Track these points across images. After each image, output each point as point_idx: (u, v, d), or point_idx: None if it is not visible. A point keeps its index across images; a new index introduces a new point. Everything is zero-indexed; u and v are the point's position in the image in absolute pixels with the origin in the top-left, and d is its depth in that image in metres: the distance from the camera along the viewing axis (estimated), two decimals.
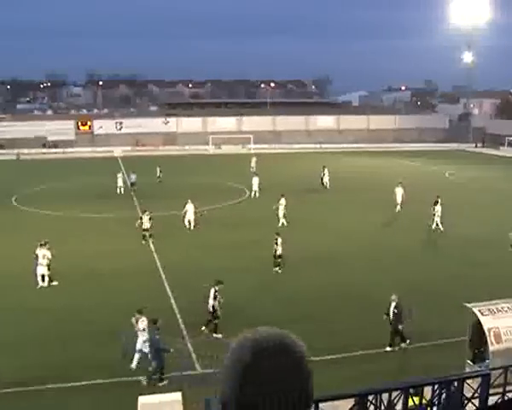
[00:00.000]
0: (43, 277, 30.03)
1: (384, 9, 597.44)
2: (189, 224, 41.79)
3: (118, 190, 55.24)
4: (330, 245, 37.38)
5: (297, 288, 29.05)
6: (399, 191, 47.41)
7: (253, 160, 70.30)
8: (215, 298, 23.66)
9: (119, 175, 56.89)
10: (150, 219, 38.37)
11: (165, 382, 20.13)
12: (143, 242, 37.74)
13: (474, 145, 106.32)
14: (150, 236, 38.19)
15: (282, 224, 41.77)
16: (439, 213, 41.79)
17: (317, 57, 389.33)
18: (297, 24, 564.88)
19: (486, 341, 18.49)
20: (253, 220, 43.84)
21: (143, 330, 21.27)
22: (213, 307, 23.65)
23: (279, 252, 32.20)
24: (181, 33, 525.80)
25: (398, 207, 46.97)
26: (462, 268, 32.69)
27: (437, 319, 24.33)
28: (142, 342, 21.24)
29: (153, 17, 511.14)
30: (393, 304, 22.65)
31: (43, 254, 30.03)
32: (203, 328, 23.67)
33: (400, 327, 22.52)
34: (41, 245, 30.52)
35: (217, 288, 23.77)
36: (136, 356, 21.16)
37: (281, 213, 42.52)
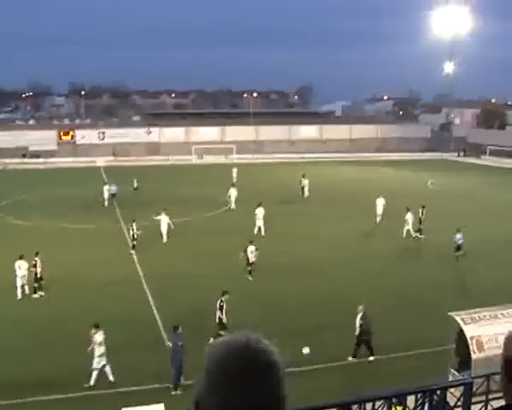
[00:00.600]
0: (22, 288, 29.84)
1: (366, 19, 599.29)
2: (161, 235, 41.01)
3: (106, 203, 54.66)
4: (314, 254, 37.47)
5: (283, 297, 29.02)
6: (380, 202, 47.38)
7: (234, 170, 70.02)
8: (221, 309, 23.59)
9: (106, 187, 56.24)
10: (138, 228, 38.70)
11: (178, 391, 20.01)
12: (132, 251, 37.92)
13: (456, 154, 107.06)
14: (133, 246, 38.26)
15: (259, 230, 42.67)
16: (410, 222, 42.31)
17: (299, 67, 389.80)
18: (279, 34, 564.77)
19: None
20: (236, 229, 43.71)
21: (100, 344, 20.90)
22: (219, 318, 23.60)
23: (251, 260, 33.00)
24: (164, 43, 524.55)
25: (379, 218, 46.95)
26: (446, 276, 32.96)
27: (421, 328, 24.43)
28: (97, 358, 20.79)
29: (136, 27, 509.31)
30: (360, 315, 22.43)
31: (19, 265, 29.87)
32: (211, 340, 23.42)
33: (366, 338, 22.31)
34: (20, 257, 30.28)
35: (223, 299, 23.72)
36: (94, 374, 20.64)
37: (258, 221, 43.18)
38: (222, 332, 23.31)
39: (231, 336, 2.06)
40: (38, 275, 30.42)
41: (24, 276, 29.97)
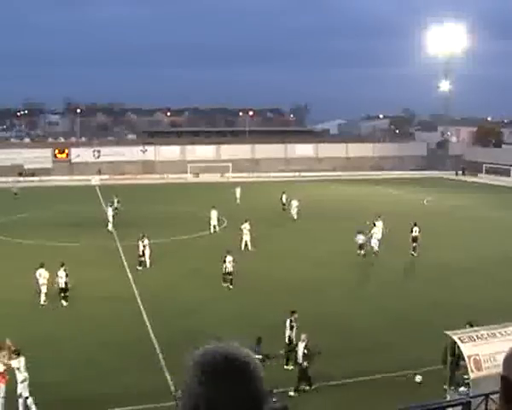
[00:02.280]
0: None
1: (361, 38, 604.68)
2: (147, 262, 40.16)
3: (110, 226, 51.51)
4: (307, 273, 37.25)
5: (276, 318, 28.82)
6: (379, 225, 44.97)
7: (238, 190, 69.61)
8: (291, 328, 23.43)
9: (109, 208, 53.99)
10: (144, 245, 38.97)
11: None
12: (139, 267, 38.34)
13: (454, 173, 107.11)
14: (140, 263, 38.68)
15: (246, 246, 43.67)
16: (377, 236, 42.78)
17: (294, 86, 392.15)
18: (274, 54, 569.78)
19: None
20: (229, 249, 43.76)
21: (18, 369, 19.97)
22: (289, 337, 23.40)
23: (228, 269, 34.49)
24: (159, 62, 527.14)
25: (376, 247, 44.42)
26: (444, 294, 32.91)
27: (417, 348, 24.38)
28: (20, 385, 19.85)
29: (132, 46, 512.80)
30: (303, 345, 21.84)
31: (40, 273, 31.64)
32: (286, 366, 23.21)
33: (305, 366, 21.77)
34: (41, 266, 32.00)
35: (292, 318, 23.58)
36: (20, 401, 19.84)
37: (245, 236, 43.97)
38: (288, 351, 23.22)
39: (208, 348, 2.11)
40: (62, 285, 31.84)
41: (44, 284, 31.36)
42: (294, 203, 58.17)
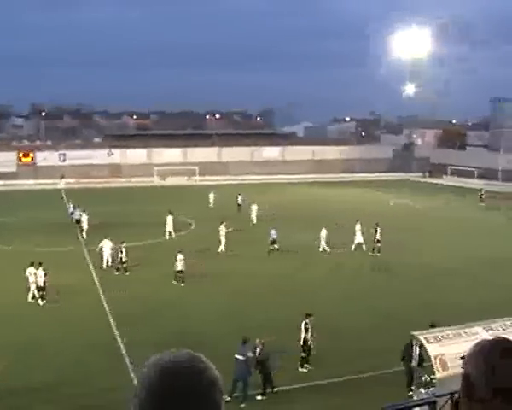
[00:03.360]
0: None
1: (327, 40, 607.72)
2: (107, 263, 40.56)
3: (84, 235, 50.04)
4: (293, 275, 37.48)
5: (264, 319, 28.77)
6: (358, 228, 45.64)
7: (211, 196, 68.78)
8: (306, 331, 23.44)
9: (84, 216, 51.75)
10: (121, 251, 38.91)
11: (243, 405, 20.41)
12: (127, 273, 38.26)
13: (420, 175, 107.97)
14: (126, 268, 38.56)
15: (222, 250, 44.06)
16: (324, 237, 43.99)
17: (261, 89, 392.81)
18: (240, 56, 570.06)
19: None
20: (200, 251, 43.69)
21: None
22: (305, 339, 23.31)
23: (179, 268, 35.66)
24: (126, 64, 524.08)
25: (364, 246, 45.30)
26: (428, 295, 33.18)
27: (394, 346, 24.57)
28: None
29: (96, 47, 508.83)
30: (258, 350, 21.87)
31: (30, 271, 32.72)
32: (299, 369, 23.29)
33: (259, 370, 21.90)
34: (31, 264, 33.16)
35: (307, 320, 23.59)
36: None
37: (222, 238, 44.31)
38: (303, 354, 23.28)
39: (167, 355, 2.02)
40: (41, 284, 32.52)
41: (33, 282, 32.54)
42: (254, 207, 57.34)
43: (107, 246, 40.95)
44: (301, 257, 42.64)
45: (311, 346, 23.42)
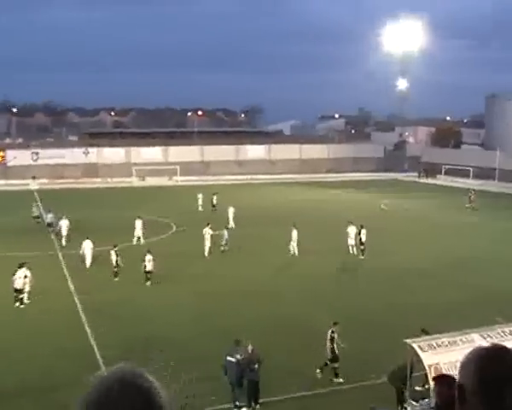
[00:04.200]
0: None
1: (315, 43, 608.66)
2: (88, 264, 41.40)
3: (63, 241, 48.82)
4: (262, 278, 37.81)
5: (235, 321, 28.90)
6: (352, 230, 45.75)
7: (200, 196, 67.31)
8: (332, 340, 23.36)
9: (64, 221, 50.13)
10: (117, 254, 38.81)
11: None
12: (116, 279, 38.06)
13: (413, 175, 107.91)
14: (116, 273, 38.36)
15: (210, 251, 44.36)
16: (295, 238, 44.33)
17: (247, 90, 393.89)
18: (228, 59, 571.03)
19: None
20: (181, 254, 43.62)
21: None
22: (332, 349, 23.27)
23: (148, 268, 36.42)
24: (109, 65, 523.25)
25: (354, 249, 45.60)
26: (398, 297, 33.65)
27: (374, 350, 24.59)
28: None
29: (78, 49, 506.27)
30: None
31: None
32: (318, 371, 23.33)
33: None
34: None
35: (333, 329, 23.55)
36: None
37: (207, 241, 44.54)
38: (335, 365, 23.13)
39: (106, 375, 1.99)
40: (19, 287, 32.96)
41: (26, 284, 33.11)
42: (231, 210, 56.41)
43: (88, 247, 41.53)
44: (277, 261, 42.63)
45: (338, 355, 23.29)
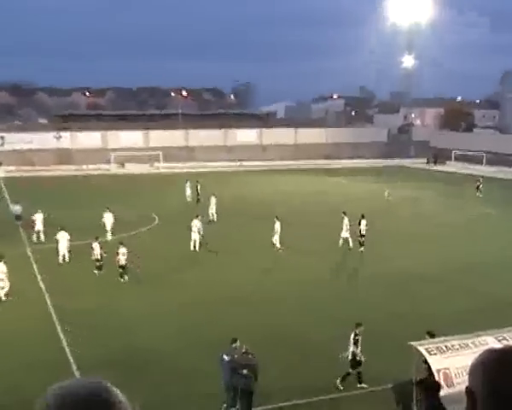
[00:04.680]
0: None
1: (312, 29, 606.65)
2: (63, 258, 41.17)
3: (42, 237, 47.54)
4: (252, 283, 37.17)
5: (222, 331, 28.59)
6: (345, 222, 45.79)
7: (188, 184, 66.88)
8: (356, 343, 23.14)
9: (39, 215, 48.76)
10: (101, 247, 38.97)
11: None
12: (96, 271, 38.20)
13: (423, 162, 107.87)
14: (100, 267, 38.51)
15: (194, 245, 44.50)
16: (278, 231, 44.52)
17: (237, 72, 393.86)
18: (220, 46, 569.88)
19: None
20: (163, 251, 43.52)
21: None
22: (353, 353, 23.15)
23: (121, 262, 36.76)
24: (79, 47, 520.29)
25: (349, 242, 45.62)
26: (402, 304, 33.24)
27: (377, 361, 24.47)
28: None
29: (58, 36, 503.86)
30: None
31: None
32: (338, 381, 23.09)
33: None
34: None
35: (357, 331, 23.25)
36: None
37: (193, 234, 44.62)
38: (355, 371, 23.07)
39: (66, 386, 2.00)
40: None
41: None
42: (213, 200, 55.83)
43: (63, 238, 41.09)
44: (268, 263, 42.27)
45: (362, 360, 23.20)
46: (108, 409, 1.94)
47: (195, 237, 44.70)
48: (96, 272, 38.27)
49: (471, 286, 36.80)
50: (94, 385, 1.97)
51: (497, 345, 13.85)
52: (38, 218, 48.29)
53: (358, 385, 23.11)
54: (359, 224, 45.06)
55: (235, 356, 21.29)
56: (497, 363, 2.22)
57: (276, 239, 44.63)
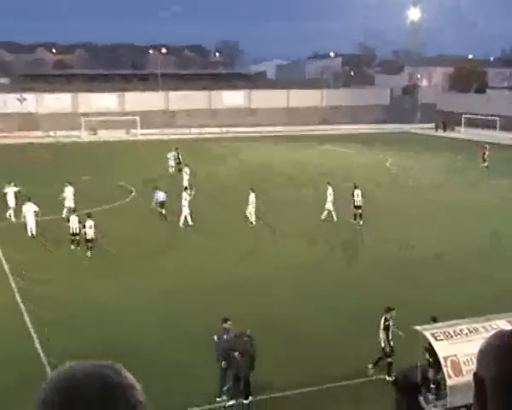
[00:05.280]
0: None
1: None
2: (31, 231, 41.72)
3: (8, 214, 46.50)
4: (239, 268, 37.08)
5: (209, 322, 28.64)
6: (329, 192, 46.53)
7: (171, 154, 66.57)
8: (386, 329, 23.15)
9: (10, 188, 47.77)
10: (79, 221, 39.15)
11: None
12: (73, 247, 38.64)
13: (431, 127, 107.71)
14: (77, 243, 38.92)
15: (185, 220, 44.71)
16: (252, 203, 45.23)
17: (223, 31, 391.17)
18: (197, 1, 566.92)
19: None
20: (137, 230, 43.63)
21: None
22: (386, 340, 23.13)
23: (90, 236, 37.72)
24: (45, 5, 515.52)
25: (325, 213, 46.59)
26: (408, 291, 33.14)
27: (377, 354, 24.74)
28: None
29: None
30: (225, 336, 22.30)
31: None
32: (370, 366, 23.35)
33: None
34: None
35: (388, 316, 23.29)
36: None
37: (184, 209, 44.78)
38: (389, 360, 23.16)
39: (79, 367, 2.06)
40: None
41: None
42: (186, 171, 56.33)
43: (30, 210, 41.34)
44: (257, 245, 42.12)
45: (387, 348, 23.16)
46: (129, 404, 1.99)
47: (186, 211, 44.74)
48: (72, 247, 38.70)
49: (484, 271, 36.66)
50: (105, 373, 2.03)
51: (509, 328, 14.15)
52: (11, 192, 47.11)
53: (387, 378, 23.03)
54: (352, 195, 45.52)
55: (225, 337, 21.68)
56: (509, 346, 2.19)
57: (250, 212, 45.00)
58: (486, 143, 74.72)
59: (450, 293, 32.89)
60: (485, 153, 70.48)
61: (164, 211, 46.31)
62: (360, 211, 45.41)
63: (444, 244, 41.58)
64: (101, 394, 1.95)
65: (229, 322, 22.42)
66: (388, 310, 23.52)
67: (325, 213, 45.81)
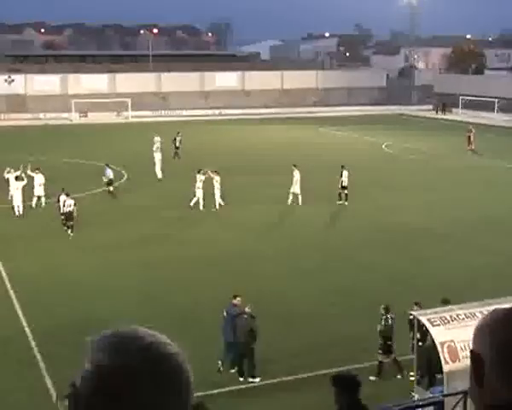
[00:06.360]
0: None
1: None
2: (18, 209, 41.99)
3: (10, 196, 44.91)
4: (229, 243, 37.22)
5: (196, 301, 28.74)
6: (297, 175, 46.28)
7: (157, 140, 65.38)
8: (390, 320, 22.37)
9: (9, 174, 46.07)
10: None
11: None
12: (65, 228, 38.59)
13: (430, 109, 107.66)
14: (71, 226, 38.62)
15: (198, 201, 44.35)
16: (218, 187, 44.64)
17: (214, 7, 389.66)
18: None
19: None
20: (132, 212, 43.51)
21: None
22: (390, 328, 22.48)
23: (62, 210, 38.46)
24: None
25: (291, 197, 46.13)
26: (407, 266, 33.23)
27: (375, 334, 24.72)
28: None
29: None
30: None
31: None
32: (372, 378, 22.51)
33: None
34: None
35: (388, 316, 22.43)
36: None
37: (198, 191, 44.48)
38: (388, 342, 22.55)
39: (126, 332, 2.07)
40: None
41: None
42: (158, 156, 55.95)
43: (18, 189, 41.77)
44: (245, 222, 42.26)
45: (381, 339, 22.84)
46: (174, 360, 2.03)
47: (200, 194, 44.57)
48: (65, 228, 38.63)
49: (484, 242, 36.90)
50: (157, 337, 2.05)
51: None
52: (11, 178, 45.08)
53: (398, 376, 22.61)
54: (341, 175, 45.93)
55: (228, 312, 22.08)
56: (506, 322, 2.22)
57: (217, 196, 44.75)
58: (471, 127, 73.02)
59: (449, 266, 32.96)
60: (470, 136, 68.98)
61: (112, 188, 47.27)
62: (346, 191, 45.81)
63: (439, 215, 42.06)
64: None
65: (239, 298, 22.78)
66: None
67: (290, 196, 45.52)
